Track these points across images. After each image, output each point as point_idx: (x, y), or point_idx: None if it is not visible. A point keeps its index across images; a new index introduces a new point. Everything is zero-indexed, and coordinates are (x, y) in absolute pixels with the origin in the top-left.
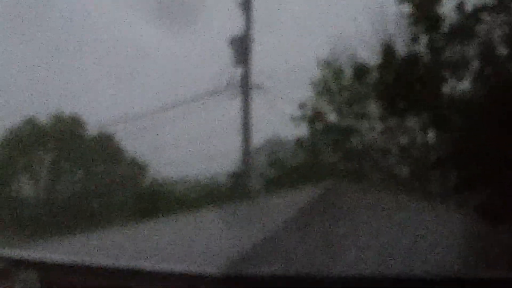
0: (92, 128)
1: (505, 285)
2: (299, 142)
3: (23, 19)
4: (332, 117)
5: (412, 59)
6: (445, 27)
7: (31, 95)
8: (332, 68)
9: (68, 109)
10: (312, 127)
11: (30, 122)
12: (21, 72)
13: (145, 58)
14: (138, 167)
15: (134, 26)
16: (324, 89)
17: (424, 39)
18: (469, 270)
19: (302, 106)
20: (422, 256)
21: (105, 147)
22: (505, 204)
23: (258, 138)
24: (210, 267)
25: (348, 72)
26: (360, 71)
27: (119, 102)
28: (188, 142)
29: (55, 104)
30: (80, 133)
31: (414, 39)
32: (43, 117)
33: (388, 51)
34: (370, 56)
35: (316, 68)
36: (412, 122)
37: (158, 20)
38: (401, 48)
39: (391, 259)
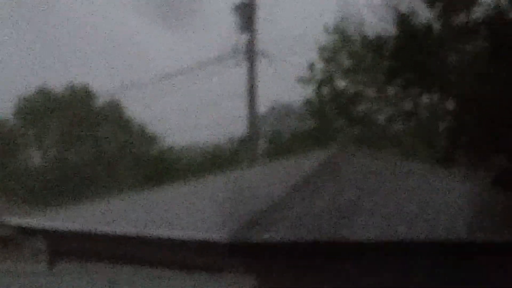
0: (100, 96)
1: (510, 248)
2: (305, 106)
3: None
4: (338, 83)
5: (420, 26)
6: None
7: (42, 67)
8: (338, 34)
9: (76, 79)
10: (318, 92)
11: (40, 92)
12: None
13: (152, 26)
14: (144, 135)
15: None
16: (330, 55)
17: (431, 5)
18: (475, 234)
19: (310, 68)
20: (429, 221)
21: (113, 116)
22: None
23: (263, 104)
24: (217, 234)
25: (355, 39)
26: (373, 41)
27: (126, 71)
28: (194, 109)
29: (65, 74)
30: (89, 103)
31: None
32: (53, 87)
33: (398, 19)
34: (377, 22)
35: (322, 35)
36: (419, 89)
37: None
38: (408, 13)
39: (398, 224)
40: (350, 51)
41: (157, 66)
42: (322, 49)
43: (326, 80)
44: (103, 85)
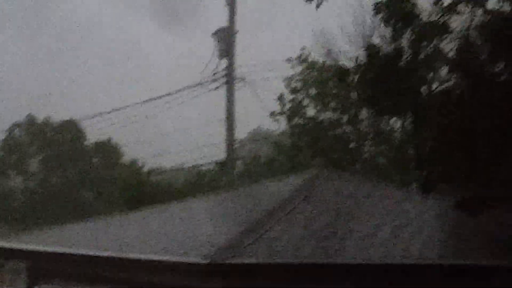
0: (84, 121)
1: (482, 272)
2: (280, 134)
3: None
4: (311, 111)
5: (391, 56)
6: (421, 21)
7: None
8: (312, 63)
9: (60, 96)
10: (290, 122)
11: (26, 123)
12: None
13: (135, 53)
14: (127, 158)
15: (126, 26)
16: (303, 83)
17: (401, 35)
18: (448, 257)
19: (280, 99)
20: (403, 244)
21: (97, 140)
22: (484, 196)
23: (242, 129)
24: (196, 256)
25: (329, 67)
26: (341, 72)
27: (110, 94)
28: (174, 133)
29: (51, 94)
30: (74, 131)
31: (394, 36)
32: (39, 117)
33: (368, 49)
34: (351, 49)
35: (295, 63)
36: (393, 116)
37: (148, 17)
38: (380, 42)
39: (373, 247)
40: (320, 78)
41: (138, 90)
42: (288, 80)
43: (296, 111)
44: (86, 106)
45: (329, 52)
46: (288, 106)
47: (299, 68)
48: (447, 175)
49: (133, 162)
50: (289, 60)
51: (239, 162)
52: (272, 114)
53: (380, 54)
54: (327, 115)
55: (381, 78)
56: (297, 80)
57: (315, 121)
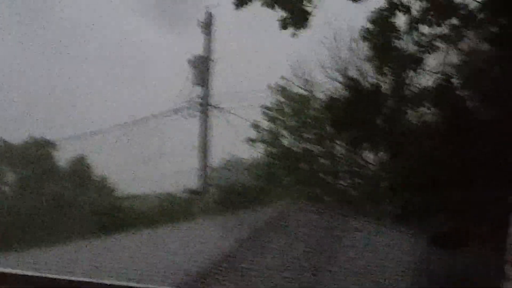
0: (57, 143)
1: None
2: (254, 163)
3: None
4: (286, 141)
5: (369, 89)
6: (400, 56)
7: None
8: (287, 93)
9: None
10: (266, 151)
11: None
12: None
13: (107, 78)
14: (100, 183)
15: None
16: (278, 113)
17: (379, 68)
18: None
19: (256, 127)
20: (374, 278)
21: (70, 164)
22: (458, 230)
23: (216, 157)
24: (167, 284)
25: (304, 97)
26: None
27: (82, 118)
28: (147, 159)
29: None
30: (46, 153)
31: (377, 71)
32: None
33: (346, 82)
34: (326, 80)
35: (272, 93)
36: (367, 147)
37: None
38: (356, 74)
39: (345, 280)
40: (296, 109)
41: (111, 116)
42: (266, 109)
43: (272, 140)
44: (60, 132)
45: (305, 83)
46: (264, 134)
47: (275, 98)
48: (421, 209)
49: (104, 183)
50: (269, 88)
51: (213, 190)
52: (250, 140)
53: (358, 86)
54: (303, 145)
55: (356, 109)
56: (273, 109)
57: (291, 151)
